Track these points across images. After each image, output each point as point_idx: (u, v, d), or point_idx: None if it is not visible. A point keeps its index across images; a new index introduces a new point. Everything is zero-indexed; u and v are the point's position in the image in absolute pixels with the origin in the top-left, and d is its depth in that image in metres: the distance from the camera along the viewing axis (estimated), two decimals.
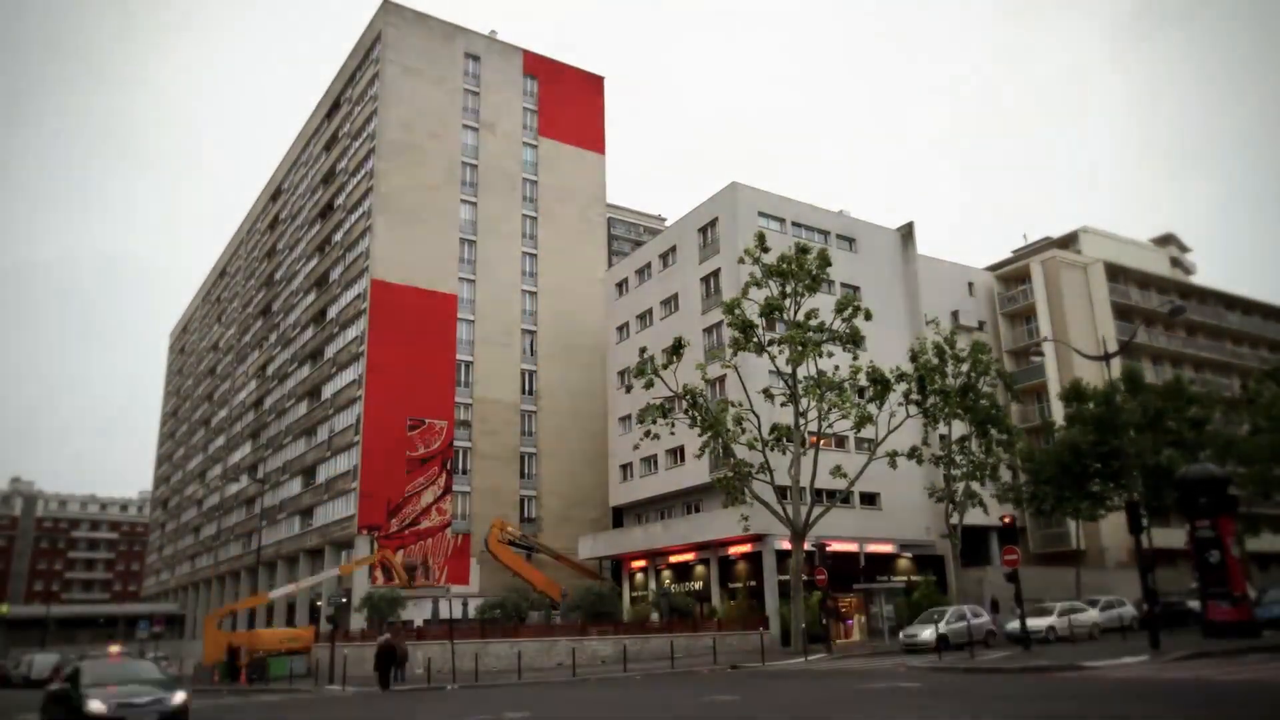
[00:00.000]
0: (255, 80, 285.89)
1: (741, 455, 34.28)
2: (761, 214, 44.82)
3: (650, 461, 47.53)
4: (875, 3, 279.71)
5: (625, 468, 50.10)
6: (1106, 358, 27.99)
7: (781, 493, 34.29)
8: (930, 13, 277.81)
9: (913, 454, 34.82)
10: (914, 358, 37.19)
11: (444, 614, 43.46)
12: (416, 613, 45.75)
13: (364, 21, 64.79)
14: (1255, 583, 37.60)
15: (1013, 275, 56.81)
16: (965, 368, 38.44)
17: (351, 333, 55.06)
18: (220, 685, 38.23)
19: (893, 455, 33.94)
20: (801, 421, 33.64)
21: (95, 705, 14.84)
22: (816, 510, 34.15)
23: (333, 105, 66.14)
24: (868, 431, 34.76)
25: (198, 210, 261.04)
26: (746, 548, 40.27)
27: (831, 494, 36.44)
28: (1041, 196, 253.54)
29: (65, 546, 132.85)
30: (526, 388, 56.75)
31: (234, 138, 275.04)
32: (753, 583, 40.39)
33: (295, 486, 60.71)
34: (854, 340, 34.10)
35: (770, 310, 33.79)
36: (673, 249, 49.33)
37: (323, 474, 56.43)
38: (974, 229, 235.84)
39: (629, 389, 37.67)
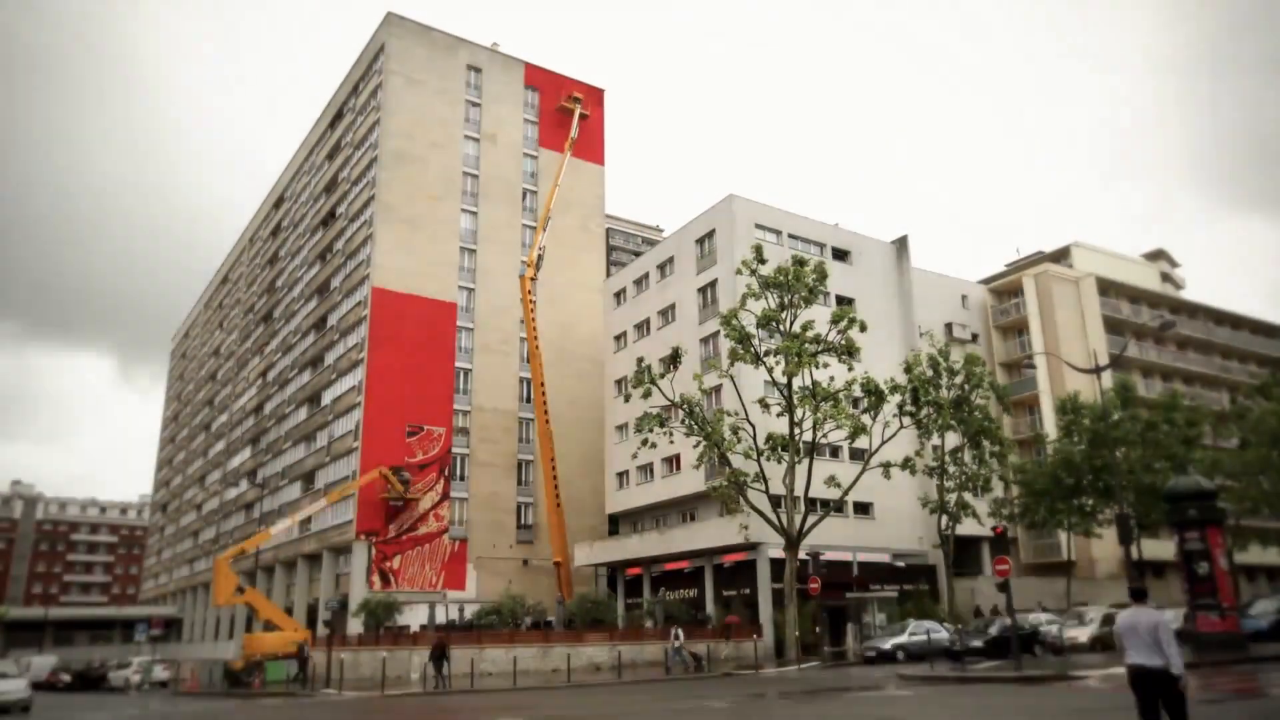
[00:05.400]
0: (259, 89, 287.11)
1: (737, 464, 34.69)
2: (758, 226, 45.39)
3: (646, 470, 47.96)
4: (873, 16, 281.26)
5: (622, 476, 50.52)
6: (1098, 370, 28.54)
7: (776, 502, 34.70)
8: (927, 25, 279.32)
9: (906, 465, 35.23)
10: (908, 369, 37.61)
11: (440, 619, 43.81)
12: (413, 617, 46.06)
13: (368, 33, 65.47)
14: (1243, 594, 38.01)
15: (1005, 289, 57.43)
16: (959, 380, 38.91)
17: (352, 339, 55.56)
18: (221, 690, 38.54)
19: (886, 466, 34.36)
20: (797, 431, 34.07)
21: None
22: (810, 519, 34.57)
23: (336, 115, 66.82)
24: (861, 442, 35.18)
25: (200, 216, 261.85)
26: (741, 556, 40.67)
27: (825, 503, 36.86)
28: (1034, 211, 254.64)
29: (65, 549, 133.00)
30: (525, 396, 57.18)
31: (237, 145, 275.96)
32: (747, 591, 40.78)
33: (294, 491, 61.10)
34: (849, 352, 34.52)
35: (767, 321, 34.24)
36: (670, 259, 49.89)
37: (322, 479, 56.82)
38: (967, 242, 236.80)
39: (627, 398, 38.12)
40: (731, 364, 34.73)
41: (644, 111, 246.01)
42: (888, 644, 32.42)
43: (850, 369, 34.55)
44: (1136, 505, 38.80)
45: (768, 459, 33.87)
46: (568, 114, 63.19)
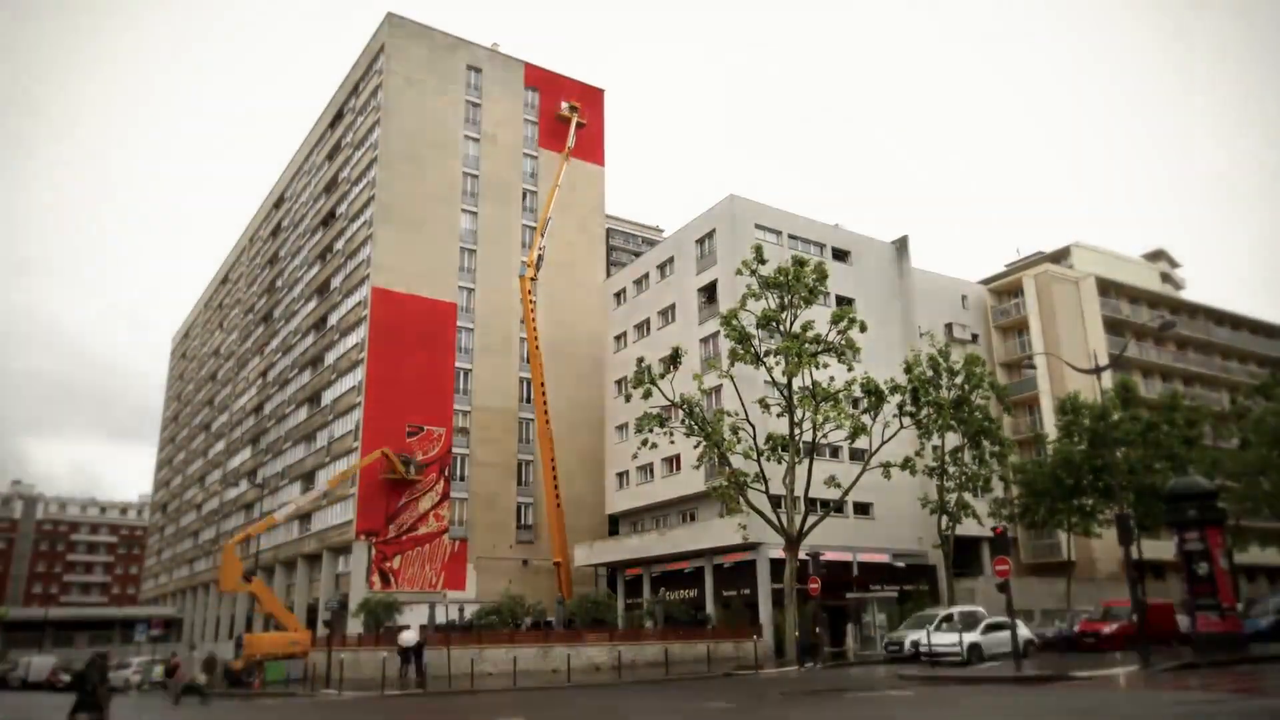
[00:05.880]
0: (259, 89, 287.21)
1: (737, 464, 34.66)
2: (758, 226, 45.39)
3: (646, 470, 47.94)
4: (873, 16, 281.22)
5: (622, 476, 50.51)
6: (1098, 370, 28.52)
7: (776, 502, 34.67)
8: (927, 24, 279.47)
9: (906, 465, 35.19)
10: (908, 369, 37.59)
11: (440, 619, 43.79)
12: (413, 618, 45.99)
13: (368, 33, 65.48)
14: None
15: (1005, 289, 57.42)
16: (959, 380, 38.88)
17: (352, 340, 55.56)
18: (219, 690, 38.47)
19: (886, 466, 34.31)
20: (797, 432, 34.04)
21: None
22: (810, 519, 34.54)
23: (336, 115, 66.82)
24: (861, 442, 35.16)
25: (200, 216, 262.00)
26: (741, 556, 40.66)
27: (825, 503, 36.85)
28: (1034, 211, 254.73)
29: (65, 549, 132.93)
30: (525, 396, 57.16)
31: (237, 146, 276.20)
32: (746, 591, 40.76)
33: (294, 491, 61.05)
34: (849, 349, 34.47)
35: (767, 321, 34.22)
36: (670, 260, 49.89)
37: (322, 479, 56.79)
38: (968, 242, 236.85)
39: (627, 398, 38.17)
40: (731, 364, 34.69)
41: (644, 111, 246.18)
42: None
43: (850, 369, 34.50)
44: (1136, 505, 38.81)
45: (768, 459, 33.82)
46: (566, 122, 63.17)
